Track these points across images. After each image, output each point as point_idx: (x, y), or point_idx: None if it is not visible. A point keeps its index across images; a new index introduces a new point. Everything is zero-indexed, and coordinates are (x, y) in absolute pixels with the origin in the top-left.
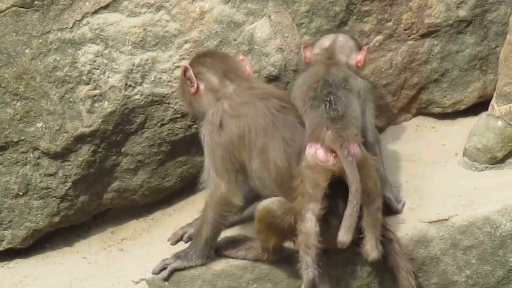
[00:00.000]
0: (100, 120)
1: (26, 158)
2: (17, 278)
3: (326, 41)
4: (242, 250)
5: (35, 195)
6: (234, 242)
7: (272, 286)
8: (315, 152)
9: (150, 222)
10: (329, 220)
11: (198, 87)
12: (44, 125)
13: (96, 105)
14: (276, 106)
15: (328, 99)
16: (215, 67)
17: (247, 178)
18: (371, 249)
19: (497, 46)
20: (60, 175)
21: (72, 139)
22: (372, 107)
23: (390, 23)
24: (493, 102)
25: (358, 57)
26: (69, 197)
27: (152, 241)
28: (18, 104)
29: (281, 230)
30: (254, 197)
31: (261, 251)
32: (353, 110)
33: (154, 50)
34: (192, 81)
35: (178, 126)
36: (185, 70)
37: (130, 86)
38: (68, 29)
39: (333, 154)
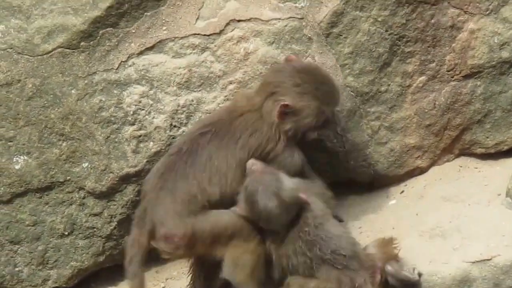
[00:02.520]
0: (145, 160)
1: (71, 198)
2: None
3: None
4: None
5: (80, 235)
6: None
7: None
8: None
9: None
10: None
11: None
12: (89, 165)
13: (141, 145)
14: None
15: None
16: None
17: None
18: None
19: None
20: (106, 215)
21: (117, 179)
22: None
23: (433, 64)
24: None
25: None
26: (114, 237)
27: None
28: (64, 144)
29: None
30: None
31: None
32: None
33: (199, 90)
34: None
35: None
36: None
37: (175, 126)
38: (114, 70)
39: None
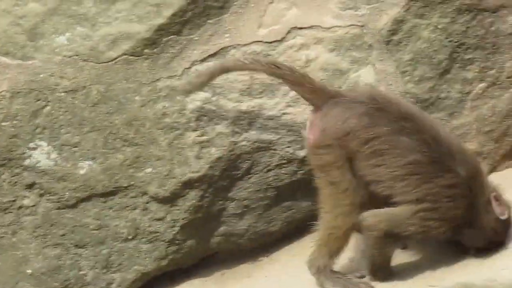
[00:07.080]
0: (207, 166)
1: (135, 203)
2: None
3: None
4: None
5: (143, 239)
6: None
7: None
8: None
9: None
10: None
11: None
12: (153, 171)
13: (203, 151)
14: None
15: None
16: None
17: None
18: None
19: None
20: (168, 219)
21: (180, 184)
22: None
23: (493, 71)
24: None
25: None
26: (177, 241)
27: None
28: (128, 150)
29: None
30: None
31: None
32: None
33: (261, 97)
34: None
35: (283, 171)
36: None
37: (237, 132)
38: (177, 77)
39: None
